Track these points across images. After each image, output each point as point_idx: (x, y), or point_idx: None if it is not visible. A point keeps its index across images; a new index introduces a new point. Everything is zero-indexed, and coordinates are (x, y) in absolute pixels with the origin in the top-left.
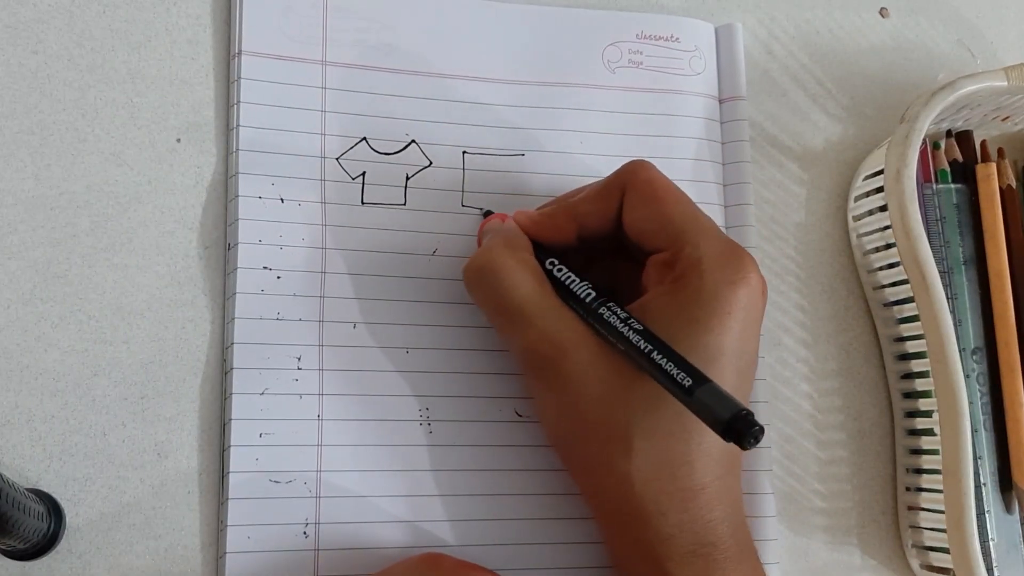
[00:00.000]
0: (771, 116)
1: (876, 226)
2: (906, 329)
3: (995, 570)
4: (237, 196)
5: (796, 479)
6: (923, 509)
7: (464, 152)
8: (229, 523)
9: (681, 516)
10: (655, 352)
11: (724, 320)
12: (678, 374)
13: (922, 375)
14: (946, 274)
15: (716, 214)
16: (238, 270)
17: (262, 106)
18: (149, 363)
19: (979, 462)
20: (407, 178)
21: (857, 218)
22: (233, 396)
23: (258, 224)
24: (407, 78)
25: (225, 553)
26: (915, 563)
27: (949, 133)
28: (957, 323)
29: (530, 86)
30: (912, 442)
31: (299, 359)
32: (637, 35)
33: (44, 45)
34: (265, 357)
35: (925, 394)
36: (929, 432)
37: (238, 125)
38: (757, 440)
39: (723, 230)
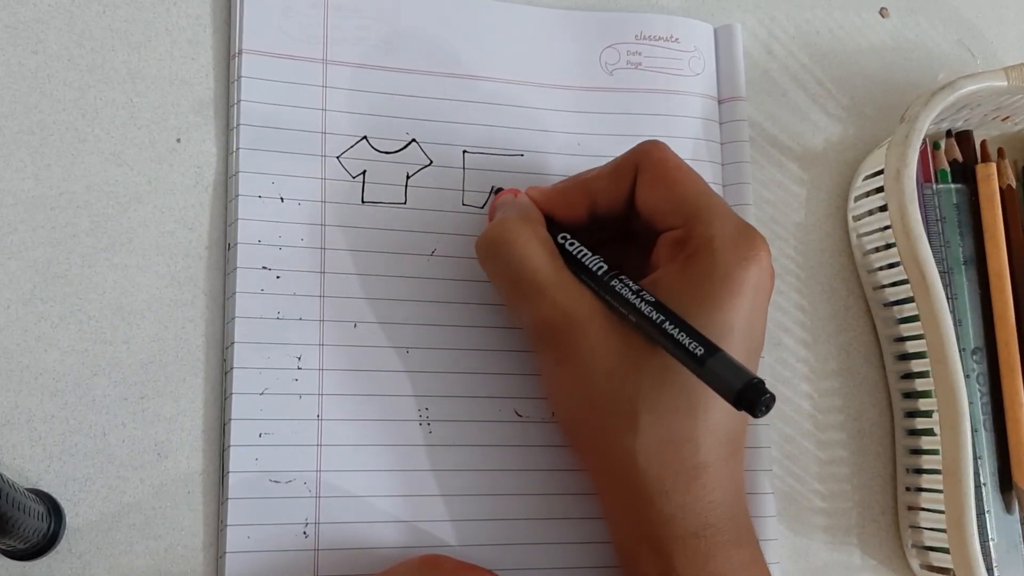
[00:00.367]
0: (771, 116)
1: (876, 226)
2: (906, 329)
3: (995, 570)
4: (237, 195)
5: (796, 479)
6: (923, 509)
7: (464, 151)
8: (229, 523)
9: (684, 496)
10: (667, 323)
11: (735, 297)
12: (690, 343)
13: (922, 375)
14: (946, 274)
15: None
16: (238, 270)
17: (263, 105)
18: (149, 363)
19: (979, 462)
20: (407, 177)
21: (857, 218)
22: (233, 396)
23: (258, 224)
24: (408, 77)
25: (225, 553)
26: (915, 563)
27: (949, 133)
28: (957, 323)
29: (529, 86)
30: (912, 442)
31: (299, 359)
32: (636, 36)
33: (44, 45)
34: (265, 357)
35: (925, 394)
36: (929, 432)
37: (238, 124)
38: (768, 408)
39: None
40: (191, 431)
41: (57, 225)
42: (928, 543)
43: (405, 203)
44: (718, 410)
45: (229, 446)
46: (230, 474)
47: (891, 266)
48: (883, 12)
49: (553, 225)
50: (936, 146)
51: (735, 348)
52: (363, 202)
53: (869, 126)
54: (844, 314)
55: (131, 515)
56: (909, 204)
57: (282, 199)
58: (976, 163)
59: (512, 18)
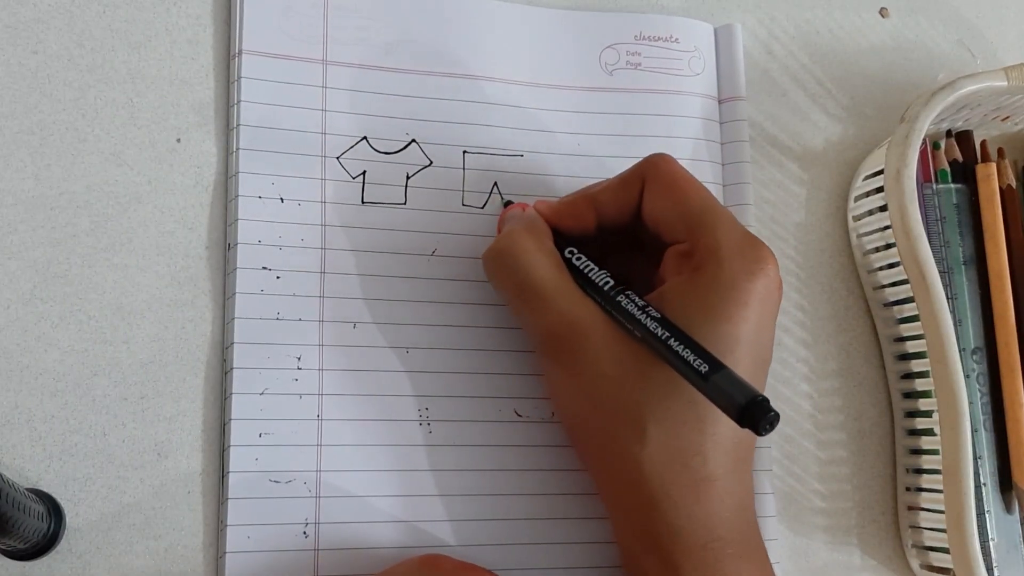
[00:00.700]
0: (771, 116)
1: (876, 226)
2: (906, 329)
3: (995, 570)
4: (237, 196)
5: (796, 479)
6: (923, 509)
7: (464, 152)
8: (229, 523)
9: (692, 508)
10: (672, 339)
11: (741, 310)
12: (694, 360)
13: (922, 375)
14: (946, 274)
15: None
16: (238, 270)
17: (263, 105)
18: (149, 363)
19: (979, 462)
20: (407, 177)
21: (857, 218)
22: (233, 396)
23: (258, 224)
24: (408, 77)
25: (225, 553)
26: (915, 563)
27: (949, 133)
28: (957, 323)
29: (529, 87)
30: (912, 442)
31: (299, 359)
32: (636, 36)
33: (44, 45)
34: (265, 357)
35: (925, 394)
36: (929, 432)
37: (238, 124)
38: (772, 426)
39: None
40: (191, 431)
41: (57, 225)
42: (928, 543)
43: (405, 203)
44: (726, 423)
45: (229, 446)
46: (230, 474)
47: (891, 266)
48: (883, 12)
49: (561, 239)
50: (936, 146)
51: (741, 360)
52: (363, 202)
53: (869, 126)
54: (844, 314)
55: (131, 515)
56: (909, 204)
57: (282, 199)
58: (976, 163)
59: (512, 18)
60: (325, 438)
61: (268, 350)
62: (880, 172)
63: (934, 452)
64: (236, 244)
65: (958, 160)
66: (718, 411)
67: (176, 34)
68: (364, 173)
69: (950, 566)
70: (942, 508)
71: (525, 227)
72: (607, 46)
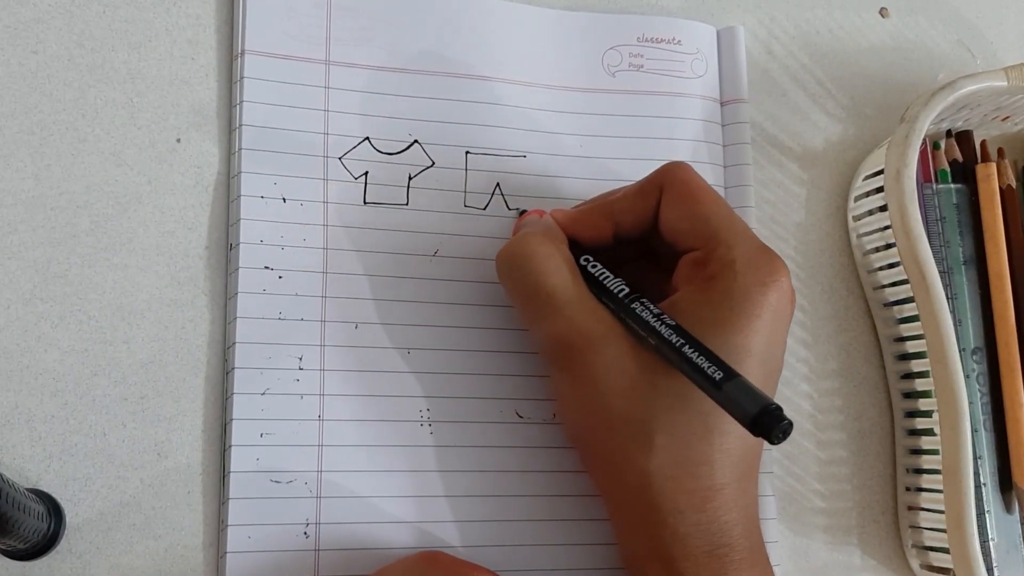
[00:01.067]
0: (771, 116)
1: (876, 226)
2: (906, 329)
3: (995, 570)
4: (239, 196)
5: (796, 479)
6: (923, 509)
7: (467, 152)
8: (230, 523)
9: (698, 516)
10: (686, 346)
11: (754, 321)
12: (709, 367)
13: (922, 375)
14: (946, 274)
15: None
16: (240, 270)
17: (265, 105)
18: (149, 363)
19: (979, 462)
20: (410, 178)
21: (857, 218)
22: (234, 396)
23: (260, 224)
24: (410, 78)
25: (225, 553)
26: (915, 563)
27: (949, 133)
28: (957, 323)
29: (532, 88)
30: (912, 442)
31: (300, 359)
32: (638, 38)
33: (44, 45)
34: (266, 357)
35: (925, 394)
36: (929, 432)
37: (241, 124)
38: (786, 435)
39: None
40: (191, 431)
41: (57, 225)
42: (928, 543)
43: (407, 204)
44: (734, 434)
45: (230, 446)
46: (231, 474)
47: (891, 266)
48: (883, 12)
49: (576, 247)
50: (936, 146)
51: (752, 372)
52: (365, 203)
53: (869, 126)
54: (844, 314)
55: (131, 515)
56: (909, 204)
57: (284, 200)
58: (976, 163)
59: (514, 19)
60: (326, 438)
61: (270, 350)
62: (880, 172)
63: (934, 452)
64: (238, 244)
65: (958, 160)
66: (727, 422)
67: (176, 34)
68: (366, 174)
69: (950, 566)
70: (942, 508)
71: (542, 231)
72: (609, 48)
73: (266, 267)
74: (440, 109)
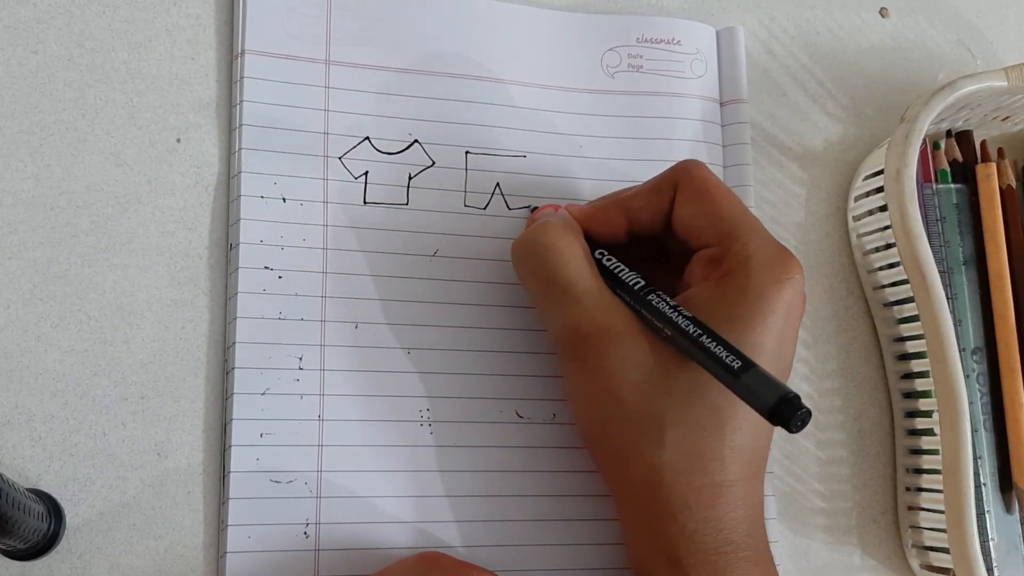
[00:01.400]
0: (771, 116)
1: (876, 226)
2: (906, 329)
3: (995, 570)
4: (239, 196)
5: (796, 479)
6: (923, 509)
7: (467, 152)
8: (230, 523)
9: (707, 512)
10: (704, 336)
11: (767, 318)
12: (727, 356)
13: (922, 375)
14: (946, 274)
15: None
16: (240, 270)
17: (265, 105)
18: (149, 363)
19: (979, 462)
20: (410, 178)
21: (857, 218)
22: (234, 396)
23: (260, 224)
24: (410, 78)
25: (225, 553)
26: (915, 563)
27: (949, 133)
28: (957, 323)
29: (532, 88)
30: (912, 442)
31: (300, 359)
32: (638, 39)
33: (44, 45)
34: (267, 357)
35: (925, 394)
36: (929, 432)
37: (241, 124)
38: (804, 424)
39: None
40: (191, 431)
41: (57, 225)
42: (928, 543)
43: (407, 204)
44: (745, 430)
45: (230, 446)
46: (231, 474)
47: (891, 266)
48: (883, 12)
49: (589, 242)
50: (936, 146)
51: (765, 368)
52: (365, 203)
53: (869, 126)
54: (844, 314)
55: (131, 515)
56: (909, 204)
57: (284, 199)
58: (976, 163)
59: (514, 20)
60: (326, 438)
61: (270, 350)
62: (880, 172)
63: (934, 452)
64: (238, 244)
65: (958, 160)
66: (738, 419)
67: (176, 34)
68: (366, 173)
69: (950, 566)
70: (942, 508)
71: (559, 222)
72: (609, 48)
73: (266, 267)
74: (440, 109)
